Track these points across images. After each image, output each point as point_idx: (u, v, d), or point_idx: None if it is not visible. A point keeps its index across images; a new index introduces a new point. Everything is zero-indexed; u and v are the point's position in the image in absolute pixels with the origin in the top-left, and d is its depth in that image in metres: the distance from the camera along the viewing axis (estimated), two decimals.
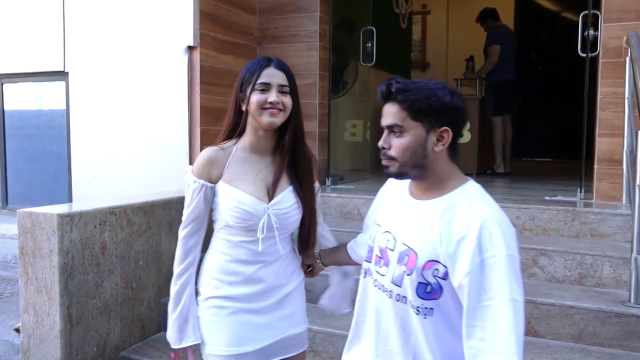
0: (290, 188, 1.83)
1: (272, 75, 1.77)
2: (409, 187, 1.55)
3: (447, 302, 1.39)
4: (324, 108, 4.85)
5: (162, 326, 3.39)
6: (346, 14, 5.46)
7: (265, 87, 1.76)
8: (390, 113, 1.44)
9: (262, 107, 1.75)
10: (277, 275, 1.85)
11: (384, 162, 1.48)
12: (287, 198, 1.82)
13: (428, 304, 1.40)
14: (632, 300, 2.77)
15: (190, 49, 4.20)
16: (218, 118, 4.27)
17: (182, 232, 1.83)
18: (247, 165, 1.82)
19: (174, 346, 1.84)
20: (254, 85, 1.76)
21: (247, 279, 1.81)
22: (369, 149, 5.87)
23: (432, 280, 1.38)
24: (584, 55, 4.00)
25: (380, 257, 1.53)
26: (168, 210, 3.48)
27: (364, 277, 1.61)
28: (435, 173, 1.46)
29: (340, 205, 4.14)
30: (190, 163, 3.89)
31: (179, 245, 1.83)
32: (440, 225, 1.40)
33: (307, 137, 1.96)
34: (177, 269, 1.83)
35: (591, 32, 3.95)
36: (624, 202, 3.69)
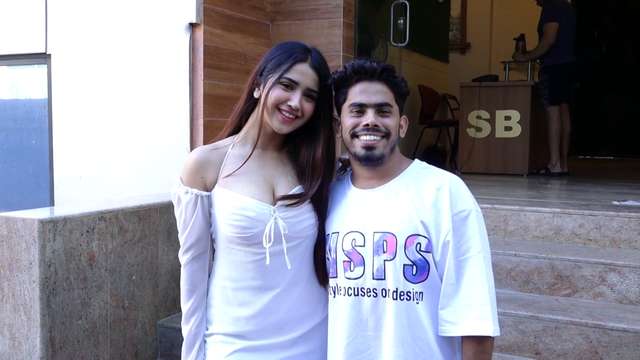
0: (299, 187, 1.76)
1: (305, 74, 1.71)
2: (352, 182, 1.77)
3: (435, 282, 1.62)
4: None
5: (159, 352, 3.38)
6: None
7: (291, 85, 1.70)
8: (380, 91, 1.67)
9: (278, 106, 1.70)
10: (296, 305, 1.76)
11: (371, 143, 1.65)
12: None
13: (417, 287, 1.62)
14: None
15: (192, 26, 4.19)
16: (224, 107, 4.26)
17: (183, 257, 1.80)
18: (247, 163, 1.74)
19: None
20: (279, 77, 1.70)
21: (258, 312, 1.74)
22: (403, 139, 5.81)
23: (416, 257, 1.61)
24: None
25: (349, 261, 1.67)
26: (166, 216, 3.46)
27: (334, 297, 1.71)
28: (395, 156, 1.74)
29: None
30: None
31: (182, 273, 1.80)
32: (409, 197, 1.66)
33: None
34: (185, 305, 1.80)
35: None
36: None
